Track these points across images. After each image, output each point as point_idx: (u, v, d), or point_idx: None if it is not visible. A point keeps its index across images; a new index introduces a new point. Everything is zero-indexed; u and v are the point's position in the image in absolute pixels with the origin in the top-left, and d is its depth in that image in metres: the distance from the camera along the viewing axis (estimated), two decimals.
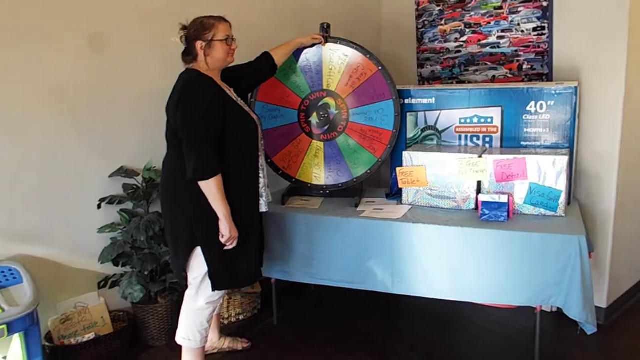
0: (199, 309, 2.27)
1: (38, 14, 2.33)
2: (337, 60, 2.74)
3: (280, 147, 2.86)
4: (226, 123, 2.11)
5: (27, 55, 2.32)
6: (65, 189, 2.51)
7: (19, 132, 2.34)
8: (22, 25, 2.29)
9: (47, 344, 2.42)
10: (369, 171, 2.79)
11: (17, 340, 2.10)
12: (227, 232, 2.10)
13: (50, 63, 2.39)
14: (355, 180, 2.81)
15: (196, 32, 2.15)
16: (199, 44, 2.14)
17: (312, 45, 2.73)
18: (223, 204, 2.07)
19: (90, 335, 2.50)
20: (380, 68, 2.69)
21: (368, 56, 2.70)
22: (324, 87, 2.78)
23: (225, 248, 2.15)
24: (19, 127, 2.34)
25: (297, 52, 2.74)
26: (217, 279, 2.21)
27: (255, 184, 2.29)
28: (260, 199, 2.32)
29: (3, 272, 2.21)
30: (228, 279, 2.25)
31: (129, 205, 2.67)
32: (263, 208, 2.34)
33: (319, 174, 2.85)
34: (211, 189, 2.04)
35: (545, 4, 2.76)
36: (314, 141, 2.84)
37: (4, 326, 1.92)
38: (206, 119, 2.05)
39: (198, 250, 2.18)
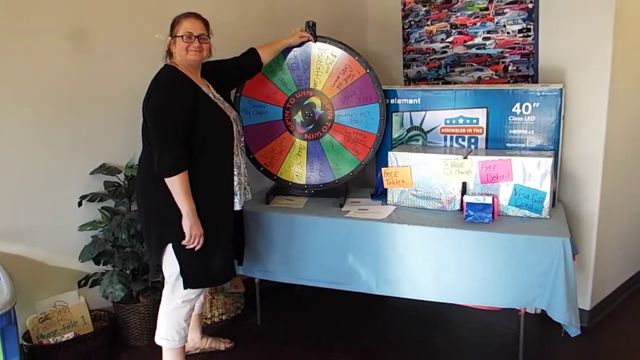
0: (175, 308, 2.24)
1: (16, 11, 2.29)
2: (325, 59, 2.72)
3: (264, 144, 2.83)
4: (196, 120, 2.10)
5: (4, 53, 2.28)
6: (46, 186, 2.47)
7: None
8: (1, 21, 2.25)
9: (25, 343, 2.39)
10: (351, 173, 2.78)
11: None
12: (188, 229, 2.08)
13: (29, 60, 2.35)
14: (337, 181, 2.80)
15: (170, 28, 2.19)
16: (168, 40, 2.19)
17: (300, 45, 2.71)
18: (187, 201, 2.06)
19: (70, 335, 2.45)
20: (368, 71, 2.69)
21: (357, 58, 2.69)
22: (311, 86, 2.76)
23: (188, 247, 2.12)
24: None
25: (286, 49, 2.72)
26: (188, 277, 2.19)
27: (229, 182, 2.26)
28: (235, 197, 2.29)
29: None
30: (199, 277, 2.23)
31: (110, 203, 2.63)
32: (237, 206, 2.31)
33: (301, 173, 2.83)
34: (175, 185, 2.03)
35: (530, 5, 2.76)
36: (297, 140, 2.82)
37: None
38: (173, 114, 2.04)
39: (170, 248, 2.16)
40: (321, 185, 2.82)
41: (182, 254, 2.15)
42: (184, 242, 2.11)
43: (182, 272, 2.17)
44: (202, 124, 2.12)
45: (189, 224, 2.08)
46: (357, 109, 2.74)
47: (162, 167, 2.02)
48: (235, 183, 2.28)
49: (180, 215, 2.07)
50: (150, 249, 2.24)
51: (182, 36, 2.14)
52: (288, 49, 2.72)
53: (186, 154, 2.06)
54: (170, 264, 2.19)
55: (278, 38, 2.68)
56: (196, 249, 2.13)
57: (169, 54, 2.21)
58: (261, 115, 2.80)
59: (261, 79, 2.74)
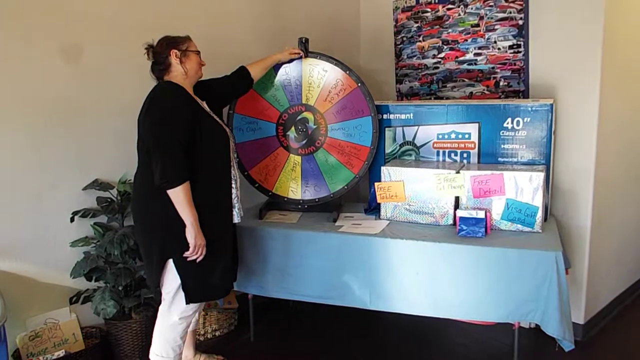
0: (172, 325, 2.23)
1: (12, 25, 2.30)
2: (316, 75, 2.74)
3: (257, 160, 2.84)
4: (197, 133, 2.11)
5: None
6: (37, 202, 2.45)
7: None
8: None
9: None
10: (346, 187, 2.79)
11: None
12: (192, 239, 2.08)
13: (24, 73, 2.35)
14: (332, 195, 2.81)
15: (170, 43, 2.20)
16: (174, 53, 2.18)
17: (291, 61, 2.74)
18: (190, 211, 2.06)
19: (61, 353, 2.43)
20: (359, 84, 2.71)
21: (347, 72, 2.71)
22: (303, 102, 2.78)
23: (190, 258, 2.12)
24: None
25: (277, 66, 2.74)
26: (191, 292, 2.18)
27: (228, 195, 2.29)
28: (233, 209, 2.31)
29: None
30: (201, 291, 2.22)
31: (103, 219, 2.62)
32: (236, 219, 2.33)
33: (296, 189, 2.84)
34: (179, 196, 2.03)
35: (520, 22, 2.80)
36: (291, 155, 2.83)
37: None
38: (174, 126, 2.05)
39: (170, 263, 2.15)
40: (317, 200, 2.83)
41: (184, 268, 2.15)
42: (187, 253, 2.10)
43: (184, 287, 2.17)
44: (202, 137, 2.13)
45: (194, 234, 2.07)
46: (349, 123, 2.76)
47: (164, 178, 2.00)
48: (234, 196, 2.31)
49: (181, 229, 2.07)
50: (151, 266, 2.21)
51: (198, 52, 2.22)
52: (278, 65, 2.74)
53: (187, 165, 2.06)
54: (170, 280, 2.18)
55: (269, 55, 2.71)
56: (198, 260, 2.13)
57: (165, 68, 2.20)
58: (254, 132, 2.81)
59: (253, 95, 2.76)
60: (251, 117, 2.80)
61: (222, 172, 2.25)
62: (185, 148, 2.06)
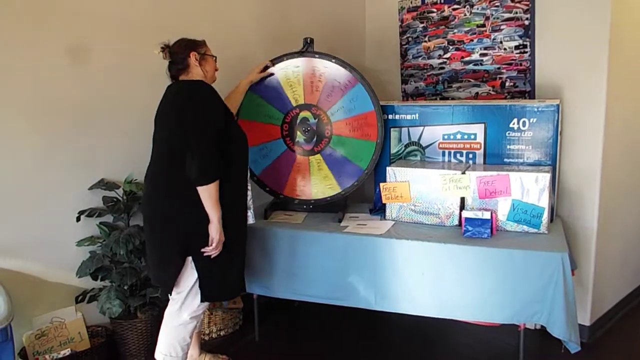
0: (182, 324, 2.24)
1: (18, 25, 2.31)
2: (292, 74, 2.75)
3: (285, 179, 2.84)
4: (226, 130, 2.14)
5: (6, 65, 2.29)
6: (44, 201, 2.46)
7: None
8: (1, 36, 2.27)
9: None
10: (374, 157, 2.74)
11: None
12: (216, 235, 2.10)
13: (29, 75, 2.36)
14: (366, 171, 2.75)
15: (189, 45, 2.22)
16: (194, 55, 2.21)
17: (262, 80, 2.75)
18: (217, 207, 2.08)
19: (66, 352, 2.43)
20: (333, 60, 2.71)
21: (317, 56, 2.71)
22: (294, 104, 2.78)
23: (207, 253, 2.13)
24: None
25: (252, 87, 2.73)
26: (207, 289, 2.19)
27: (244, 196, 2.33)
28: (248, 210, 2.36)
29: None
30: (217, 289, 2.25)
31: (108, 218, 2.63)
32: (250, 219, 2.37)
33: (332, 184, 2.82)
34: (211, 192, 2.05)
35: (526, 22, 2.80)
36: (310, 157, 2.82)
37: None
38: (211, 121, 2.07)
39: (187, 262, 2.16)
40: (356, 183, 2.77)
41: (203, 266, 2.16)
42: (207, 249, 2.12)
43: (201, 284, 2.18)
44: (231, 135, 2.16)
45: (218, 230, 2.10)
46: (344, 99, 2.74)
47: (202, 173, 2.02)
48: (249, 197, 2.35)
49: (205, 227, 2.09)
50: (166, 266, 2.19)
51: (214, 57, 2.26)
52: (253, 86, 2.74)
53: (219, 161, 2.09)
54: (184, 280, 2.19)
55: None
56: (212, 256, 2.14)
57: (184, 68, 2.22)
58: (268, 157, 2.83)
59: (248, 124, 2.70)
60: (257, 145, 2.80)
61: (240, 172, 2.28)
62: (217, 146, 2.08)
